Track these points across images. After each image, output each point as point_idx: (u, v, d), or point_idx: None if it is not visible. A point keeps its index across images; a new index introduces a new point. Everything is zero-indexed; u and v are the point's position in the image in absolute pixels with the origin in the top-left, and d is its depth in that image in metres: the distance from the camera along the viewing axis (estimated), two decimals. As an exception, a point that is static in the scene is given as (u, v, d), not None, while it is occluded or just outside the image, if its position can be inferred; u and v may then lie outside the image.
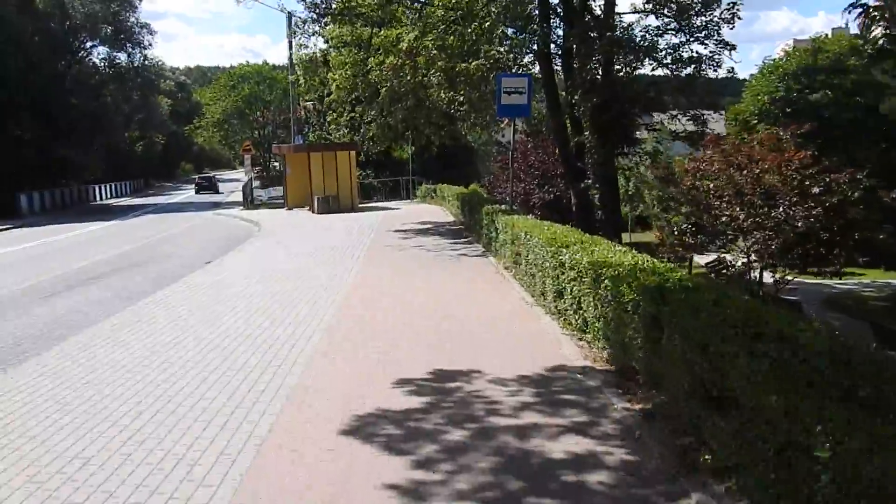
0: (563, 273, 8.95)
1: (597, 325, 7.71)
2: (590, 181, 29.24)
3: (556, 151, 30.83)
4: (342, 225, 25.69)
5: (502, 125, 30.72)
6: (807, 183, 13.36)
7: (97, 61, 48.93)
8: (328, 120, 47.53)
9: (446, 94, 22.15)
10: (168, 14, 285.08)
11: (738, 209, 13.54)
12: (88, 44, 48.45)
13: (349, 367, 7.69)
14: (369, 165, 48.19)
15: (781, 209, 13.21)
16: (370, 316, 10.09)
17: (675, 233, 15.46)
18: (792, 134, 16.87)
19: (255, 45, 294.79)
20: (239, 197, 42.84)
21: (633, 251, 8.16)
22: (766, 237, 13.02)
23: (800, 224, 13.18)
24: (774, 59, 38.26)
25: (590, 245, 8.96)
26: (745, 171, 13.58)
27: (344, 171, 33.21)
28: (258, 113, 68.01)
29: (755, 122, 33.07)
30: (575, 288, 8.40)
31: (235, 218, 33.44)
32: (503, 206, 17.99)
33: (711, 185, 14.72)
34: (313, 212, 32.22)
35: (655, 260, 7.72)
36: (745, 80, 41.78)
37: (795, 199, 13.30)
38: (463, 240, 19.98)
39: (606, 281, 7.11)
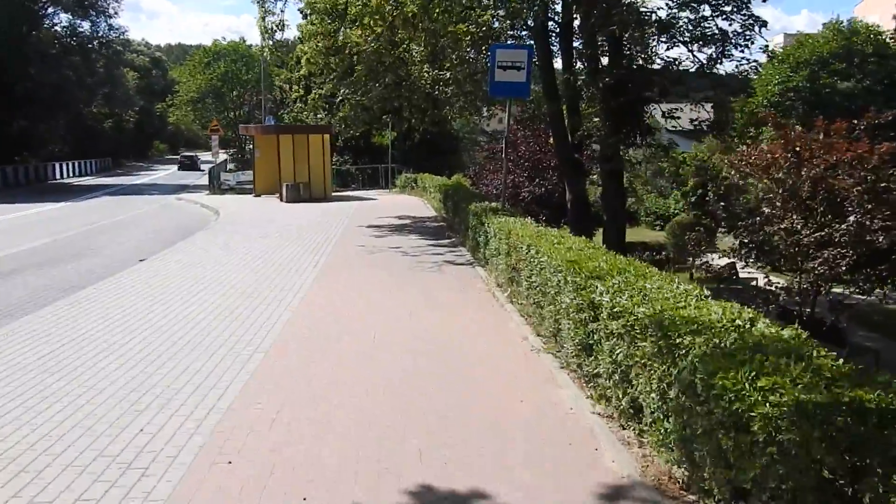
0: (595, 320, 5.88)
1: (663, 423, 4.64)
2: (593, 175, 26.29)
3: (550, 141, 27.84)
4: (309, 218, 22.48)
5: (488, 113, 27.73)
6: (884, 185, 10.38)
7: (59, 30, 45.01)
8: (294, 97, 44.20)
9: (430, 71, 18.98)
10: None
11: (795, 218, 10.53)
12: (49, 9, 44.61)
13: (246, 483, 4.58)
14: (347, 151, 44.93)
15: (853, 219, 10.23)
16: (308, 374, 6.87)
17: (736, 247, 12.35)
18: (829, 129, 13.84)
19: (241, 26, 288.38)
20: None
21: (721, 301, 5.06)
22: (836, 255, 10.05)
23: (882, 238, 10.22)
24: (786, 47, 35.36)
25: (638, 278, 5.89)
26: (805, 170, 10.58)
27: (317, 156, 29.95)
28: (234, 92, 64.35)
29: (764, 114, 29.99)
30: (619, 350, 5.32)
31: (195, 204, 30.08)
32: (493, 204, 14.87)
33: (760, 187, 11.64)
34: (282, 200, 28.98)
35: (765, 320, 4.61)
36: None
37: (870, 205, 10.34)
38: (446, 241, 16.90)
39: (691, 363, 4.04)
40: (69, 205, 32.73)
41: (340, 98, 21.49)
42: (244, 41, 63.43)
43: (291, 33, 64.48)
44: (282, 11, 25.58)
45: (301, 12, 26.87)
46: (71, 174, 53.25)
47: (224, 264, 13.67)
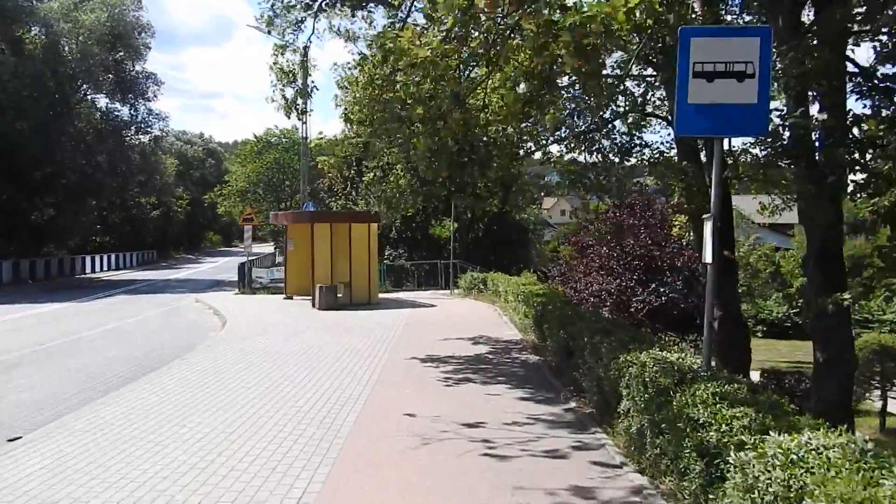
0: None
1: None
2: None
3: (670, 228, 20.48)
4: (340, 339, 15.38)
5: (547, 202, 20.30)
6: None
7: (92, 112, 40.24)
8: (343, 180, 38.10)
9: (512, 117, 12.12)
10: (223, 93, 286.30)
11: None
12: (82, 93, 40.06)
13: None
14: (401, 244, 38.28)
15: None
16: None
17: None
18: None
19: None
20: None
21: None
22: None
23: None
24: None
25: None
26: None
27: (360, 251, 23.13)
28: (286, 182, 59.25)
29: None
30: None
31: (209, 310, 23.38)
32: (689, 361, 7.05)
33: None
34: (314, 306, 22.08)
35: None
36: None
37: None
38: (558, 407, 9.40)
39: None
40: (71, 305, 26.62)
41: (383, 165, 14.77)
42: (296, 129, 58.83)
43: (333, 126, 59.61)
44: (298, 43, 19.27)
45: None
46: (105, 268, 47.94)
47: (144, 461, 6.48)
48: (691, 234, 17.79)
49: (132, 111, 41.51)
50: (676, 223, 18.73)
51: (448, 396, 9.68)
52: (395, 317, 19.66)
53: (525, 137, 15.49)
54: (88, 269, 45.07)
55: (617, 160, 13.45)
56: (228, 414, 8.77)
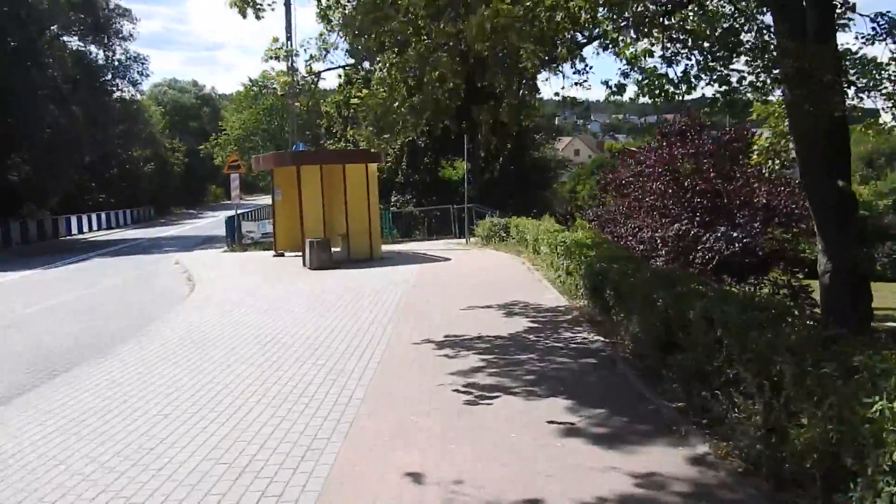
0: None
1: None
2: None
3: (750, 157, 16.20)
4: (323, 318, 11.49)
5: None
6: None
7: (63, 57, 35.63)
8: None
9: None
10: (228, 45, 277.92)
11: None
12: (49, 34, 35.48)
13: None
14: (409, 188, 34.15)
15: None
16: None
17: None
18: None
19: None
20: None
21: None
22: None
23: None
24: None
25: None
26: None
27: (357, 196, 19.08)
28: (285, 128, 54.74)
29: None
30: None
31: (184, 274, 19.56)
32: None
33: None
34: (305, 264, 18.22)
35: None
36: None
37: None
38: (668, 442, 5.48)
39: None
40: (36, 273, 22.93)
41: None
42: (294, 69, 54.18)
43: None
44: None
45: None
46: (94, 228, 44.18)
47: None
48: (778, 159, 13.59)
49: (107, 53, 37.06)
50: (756, 145, 14.51)
51: (476, 431, 5.75)
52: (402, 276, 15.74)
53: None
54: (75, 230, 41.35)
55: (722, 53, 9.03)
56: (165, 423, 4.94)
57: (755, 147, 14.58)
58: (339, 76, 36.95)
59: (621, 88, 9.38)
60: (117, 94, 38.74)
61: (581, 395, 6.51)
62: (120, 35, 36.71)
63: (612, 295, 8.83)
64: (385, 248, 22.48)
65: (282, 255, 21.55)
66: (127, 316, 13.17)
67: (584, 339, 8.91)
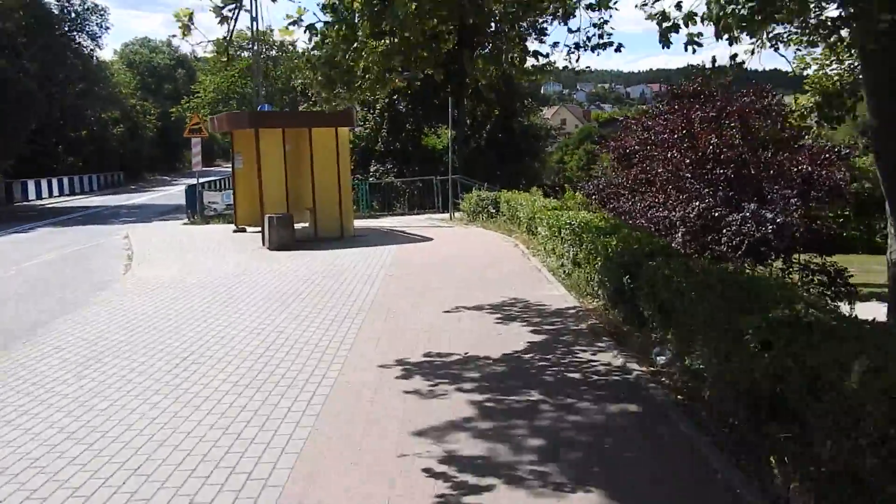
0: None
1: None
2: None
3: (781, 122, 13.72)
4: (268, 323, 8.96)
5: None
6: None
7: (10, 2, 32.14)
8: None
9: None
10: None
11: None
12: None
13: None
14: (389, 157, 31.42)
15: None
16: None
17: None
18: None
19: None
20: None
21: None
22: None
23: None
24: None
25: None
26: None
27: (326, 165, 16.40)
28: (262, 91, 51.50)
29: None
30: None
31: (128, 251, 16.89)
32: None
33: None
34: (265, 244, 15.62)
35: None
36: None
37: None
38: None
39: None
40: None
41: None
42: (270, 29, 50.85)
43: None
44: None
45: None
46: (56, 193, 41.03)
47: None
48: (826, 122, 11.08)
49: (62, 2, 33.60)
50: (798, 105, 11.98)
51: None
52: (374, 261, 13.20)
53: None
54: (33, 195, 38.24)
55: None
56: None
57: (796, 107, 12.07)
58: (315, 31, 33.87)
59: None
60: (74, 47, 35.24)
61: (627, 491, 4.06)
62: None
63: (650, 304, 6.37)
64: (360, 223, 19.91)
65: (243, 230, 18.89)
66: (38, 305, 10.57)
67: (611, 364, 6.44)
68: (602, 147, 18.36)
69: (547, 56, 9.00)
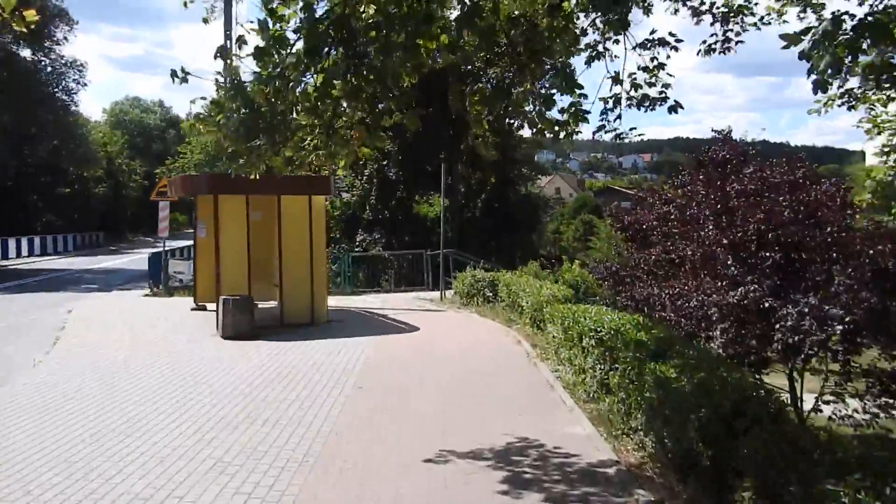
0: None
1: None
2: None
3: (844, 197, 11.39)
4: (179, 462, 6.19)
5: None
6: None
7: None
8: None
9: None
10: (212, 71, 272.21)
11: None
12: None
13: None
14: (377, 226, 28.99)
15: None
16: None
17: None
18: None
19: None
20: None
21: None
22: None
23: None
24: None
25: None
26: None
27: (296, 237, 13.85)
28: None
29: None
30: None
31: (60, 331, 14.14)
32: None
33: None
34: (218, 329, 12.93)
35: None
36: None
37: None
38: None
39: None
40: None
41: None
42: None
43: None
44: None
45: None
46: (23, 253, 38.29)
47: None
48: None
49: (37, 56, 31.67)
50: (869, 178, 9.58)
51: None
52: (343, 361, 10.52)
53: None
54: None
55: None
56: None
57: (867, 182, 9.68)
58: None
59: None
60: (49, 102, 33.09)
61: None
62: (52, 38, 31.35)
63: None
64: (339, 302, 17.34)
65: (203, 307, 16.25)
66: None
67: None
68: (614, 222, 15.89)
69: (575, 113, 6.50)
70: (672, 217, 14.15)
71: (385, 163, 29.23)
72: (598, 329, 7.61)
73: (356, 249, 26.99)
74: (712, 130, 15.57)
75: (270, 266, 14.21)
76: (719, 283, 11.71)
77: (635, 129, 6.74)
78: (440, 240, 19.84)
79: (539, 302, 11.25)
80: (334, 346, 11.78)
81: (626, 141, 7.25)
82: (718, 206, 12.39)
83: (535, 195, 34.67)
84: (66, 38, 32.29)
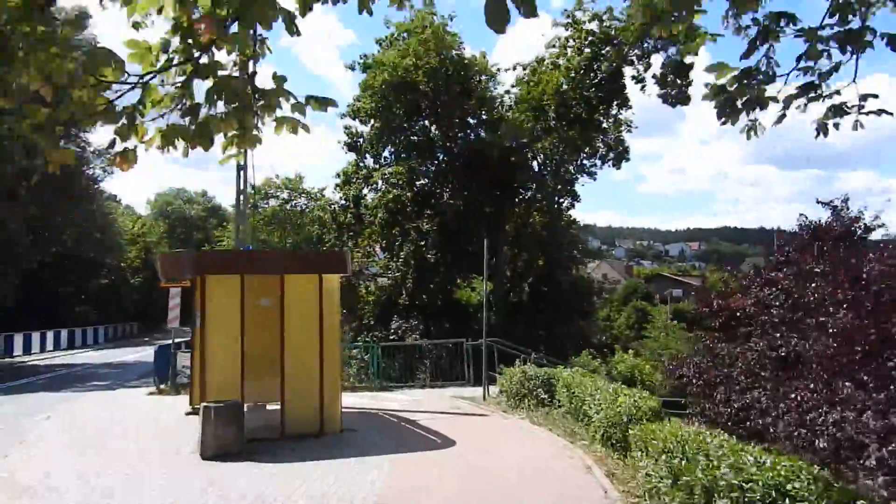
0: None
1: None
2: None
3: None
4: None
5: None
6: None
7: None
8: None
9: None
10: (261, 167, 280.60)
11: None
12: None
13: None
14: (414, 312, 26.17)
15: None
16: None
17: None
18: None
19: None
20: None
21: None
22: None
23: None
24: None
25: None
26: None
27: (302, 325, 11.07)
28: (287, 237, 47.77)
29: None
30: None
31: (21, 441, 11.42)
32: None
33: None
34: (202, 447, 10.01)
35: None
36: None
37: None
38: None
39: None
40: None
41: None
42: (300, 177, 47.90)
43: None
44: None
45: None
46: (48, 347, 36.23)
47: None
48: None
49: (62, 140, 30.52)
50: None
51: None
52: (348, 500, 7.49)
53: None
54: (19, 350, 33.42)
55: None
56: None
57: None
58: (338, 175, 30.16)
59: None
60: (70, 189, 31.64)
61: None
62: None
63: None
64: (361, 401, 14.42)
65: (195, 412, 13.38)
66: None
67: None
68: (700, 307, 12.74)
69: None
70: (778, 303, 11.06)
71: (423, 244, 26.74)
72: (745, 483, 4.49)
73: (391, 337, 24.18)
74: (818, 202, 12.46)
75: (266, 363, 11.40)
76: (868, 397, 8.46)
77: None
78: (483, 327, 16.81)
79: (618, 414, 8.13)
80: (342, 472, 8.74)
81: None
82: (848, 290, 9.26)
83: (586, 279, 31.55)
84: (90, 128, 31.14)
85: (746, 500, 4.36)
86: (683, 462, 5.53)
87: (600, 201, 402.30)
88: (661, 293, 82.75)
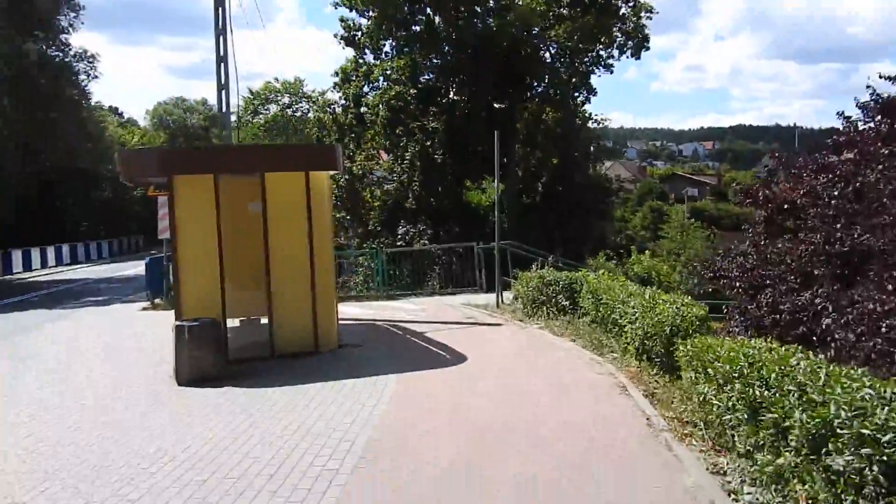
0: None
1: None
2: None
3: None
4: None
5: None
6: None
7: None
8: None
9: None
10: (265, 75, 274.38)
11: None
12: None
13: None
14: (422, 216, 24.72)
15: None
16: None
17: None
18: None
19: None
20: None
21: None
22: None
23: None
24: None
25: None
26: None
27: (290, 231, 9.67)
28: (293, 139, 46.03)
29: None
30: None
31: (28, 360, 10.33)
32: None
33: None
34: (176, 377, 8.80)
35: None
36: None
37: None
38: None
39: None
40: None
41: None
42: (300, 81, 45.46)
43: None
44: None
45: None
46: (49, 263, 35.25)
47: None
48: None
49: (43, 47, 28.31)
50: None
51: None
52: (344, 426, 6.28)
53: None
54: (19, 267, 32.46)
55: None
56: None
57: None
58: (337, 73, 28.07)
59: None
60: (58, 97, 29.61)
61: None
62: (59, 27, 27.88)
63: None
64: (366, 311, 13.23)
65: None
66: None
67: None
68: (745, 198, 11.13)
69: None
70: (837, 193, 9.47)
71: (429, 143, 24.98)
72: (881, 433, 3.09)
73: (398, 244, 22.88)
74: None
75: (248, 274, 10.09)
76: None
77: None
78: (495, 230, 15.31)
79: (657, 327, 6.75)
80: (331, 397, 7.52)
81: None
82: None
83: (603, 177, 29.84)
84: (71, 27, 28.91)
85: (884, 457, 2.98)
86: (764, 392, 4.14)
87: (612, 102, 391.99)
88: (676, 192, 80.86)
